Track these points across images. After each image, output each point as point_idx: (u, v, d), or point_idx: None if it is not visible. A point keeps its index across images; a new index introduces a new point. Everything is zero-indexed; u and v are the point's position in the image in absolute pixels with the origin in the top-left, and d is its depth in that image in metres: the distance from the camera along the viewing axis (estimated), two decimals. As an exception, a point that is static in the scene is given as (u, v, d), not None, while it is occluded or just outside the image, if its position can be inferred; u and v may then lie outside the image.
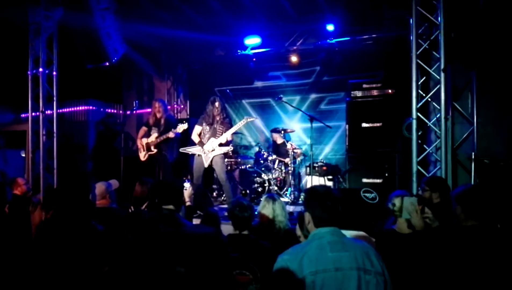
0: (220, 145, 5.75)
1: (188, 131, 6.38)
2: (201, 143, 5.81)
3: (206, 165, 5.75)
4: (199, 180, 5.80)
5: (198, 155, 5.83)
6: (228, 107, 9.28)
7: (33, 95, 6.69)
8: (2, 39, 7.53)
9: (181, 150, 6.14)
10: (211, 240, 2.64)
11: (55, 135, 6.69)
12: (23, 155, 9.32)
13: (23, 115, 9.91)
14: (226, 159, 7.66)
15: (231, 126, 5.87)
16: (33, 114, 6.73)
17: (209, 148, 5.72)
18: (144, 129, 6.68)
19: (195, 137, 5.94)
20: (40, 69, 6.60)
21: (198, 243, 2.55)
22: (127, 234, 2.67)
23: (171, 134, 6.28)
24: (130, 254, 2.50)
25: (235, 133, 8.32)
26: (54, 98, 6.74)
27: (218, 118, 5.86)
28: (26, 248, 2.73)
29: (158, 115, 6.56)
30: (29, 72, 6.67)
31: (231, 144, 6.02)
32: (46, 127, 6.66)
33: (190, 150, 5.97)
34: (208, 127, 5.88)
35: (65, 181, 2.85)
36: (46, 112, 6.70)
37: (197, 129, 5.97)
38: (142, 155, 6.55)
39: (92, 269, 2.33)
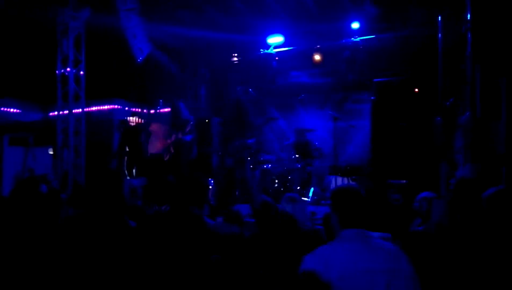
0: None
1: (211, 130, 6.42)
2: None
3: (228, 164, 5.76)
4: (222, 179, 5.81)
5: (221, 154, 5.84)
6: (251, 106, 9.28)
7: (61, 94, 6.84)
8: (31, 38, 7.73)
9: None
10: (236, 240, 2.64)
11: (82, 133, 6.84)
12: (51, 153, 9.54)
13: (51, 114, 10.16)
14: (248, 158, 7.66)
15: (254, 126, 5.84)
16: (61, 112, 6.89)
17: (231, 148, 5.72)
18: (165, 128, 6.69)
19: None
20: (68, 69, 6.75)
21: (223, 243, 2.55)
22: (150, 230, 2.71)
23: (182, 137, 6.32)
24: (151, 252, 2.53)
25: (258, 133, 8.34)
26: (82, 97, 6.88)
27: (240, 118, 5.84)
28: (54, 244, 2.78)
29: (178, 116, 6.58)
30: (57, 72, 6.83)
31: (253, 143, 6.01)
32: (74, 126, 6.81)
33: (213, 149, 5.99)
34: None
35: (99, 178, 2.88)
36: (74, 111, 6.85)
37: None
38: (165, 155, 6.58)
39: (126, 265, 2.36)
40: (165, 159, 6.57)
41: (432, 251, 2.69)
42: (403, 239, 3.25)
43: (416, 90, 6.35)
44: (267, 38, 8.13)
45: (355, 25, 7.32)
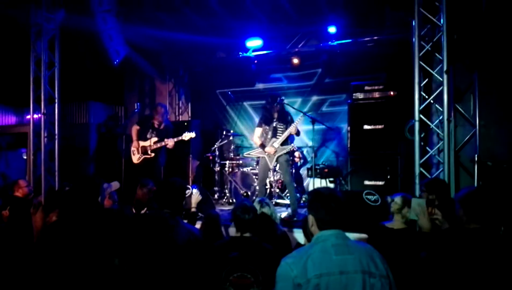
0: (282, 144, 5.67)
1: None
2: (262, 146, 5.71)
3: (271, 166, 5.71)
4: (264, 182, 5.90)
5: (262, 157, 5.79)
6: (230, 109, 9.30)
7: (34, 97, 6.67)
8: (4, 40, 7.53)
9: (245, 154, 6.18)
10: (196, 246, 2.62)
11: (56, 137, 6.68)
12: (25, 157, 9.31)
13: (25, 117, 9.93)
14: (227, 161, 7.65)
15: (292, 122, 5.72)
16: (35, 116, 6.72)
17: (271, 150, 5.65)
18: (137, 128, 6.42)
19: (256, 139, 5.85)
20: (42, 71, 6.59)
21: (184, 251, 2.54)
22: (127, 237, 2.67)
23: (170, 143, 6.16)
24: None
25: (236, 135, 8.33)
26: (56, 100, 6.73)
27: (276, 116, 5.71)
28: (29, 250, 2.72)
29: (160, 120, 6.38)
30: (31, 74, 6.66)
31: (293, 142, 6.02)
32: (47, 129, 6.65)
33: (254, 153, 5.97)
34: (267, 127, 5.76)
35: (76, 183, 2.84)
36: (48, 114, 6.69)
37: (258, 131, 5.86)
38: (136, 158, 6.36)
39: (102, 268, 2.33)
40: (136, 162, 6.37)
41: (395, 244, 2.74)
42: (378, 237, 3.30)
43: (392, 93, 6.47)
44: (246, 41, 8.15)
45: (332, 29, 7.42)
